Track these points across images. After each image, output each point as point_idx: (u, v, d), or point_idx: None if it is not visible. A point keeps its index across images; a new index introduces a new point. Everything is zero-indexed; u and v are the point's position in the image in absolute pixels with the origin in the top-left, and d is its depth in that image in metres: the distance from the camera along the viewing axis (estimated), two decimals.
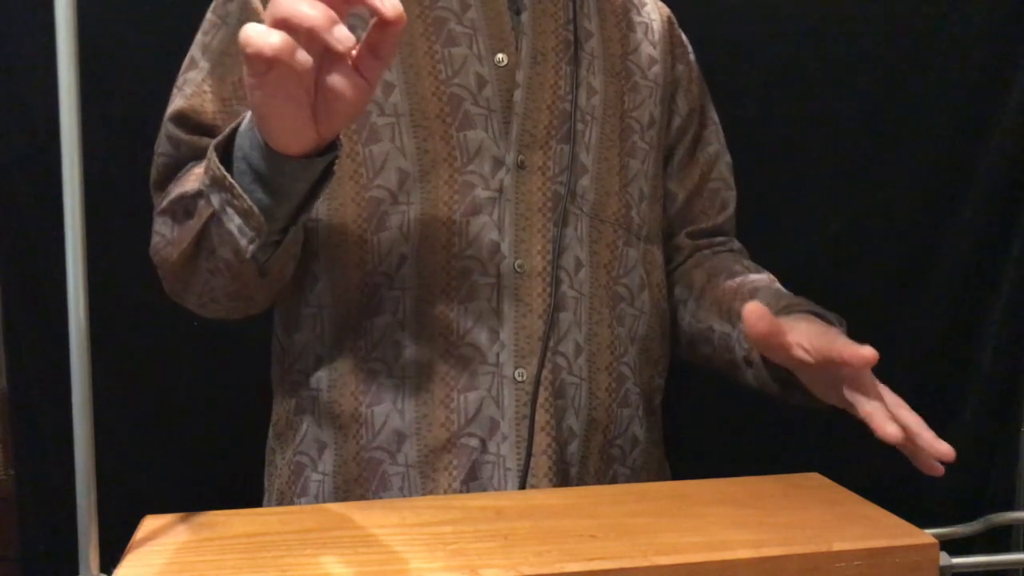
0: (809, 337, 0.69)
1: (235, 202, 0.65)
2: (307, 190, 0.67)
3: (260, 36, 0.53)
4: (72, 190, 0.55)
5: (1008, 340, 1.40)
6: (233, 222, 0.66)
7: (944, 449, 0.63)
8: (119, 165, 1.16)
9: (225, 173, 0.65)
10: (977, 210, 1.38)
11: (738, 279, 0.89)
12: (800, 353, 0.69)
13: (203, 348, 1.22)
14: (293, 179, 0.65)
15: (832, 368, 0.68)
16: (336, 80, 0.59)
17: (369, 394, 0.79)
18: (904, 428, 0.65)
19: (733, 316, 0.85)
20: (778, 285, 0.87)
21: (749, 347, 0.81)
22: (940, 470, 0.66)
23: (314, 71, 0.58)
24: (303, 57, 0.54)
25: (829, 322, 0.76)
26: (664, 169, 0.94)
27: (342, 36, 0.53)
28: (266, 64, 0.54)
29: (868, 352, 0.64)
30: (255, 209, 0.65)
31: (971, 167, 1.38)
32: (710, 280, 0.92)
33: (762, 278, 0.89)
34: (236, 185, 0.65)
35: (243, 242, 0.67)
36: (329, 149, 0.65)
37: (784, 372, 0.77)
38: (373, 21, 0.57)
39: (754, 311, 0.67)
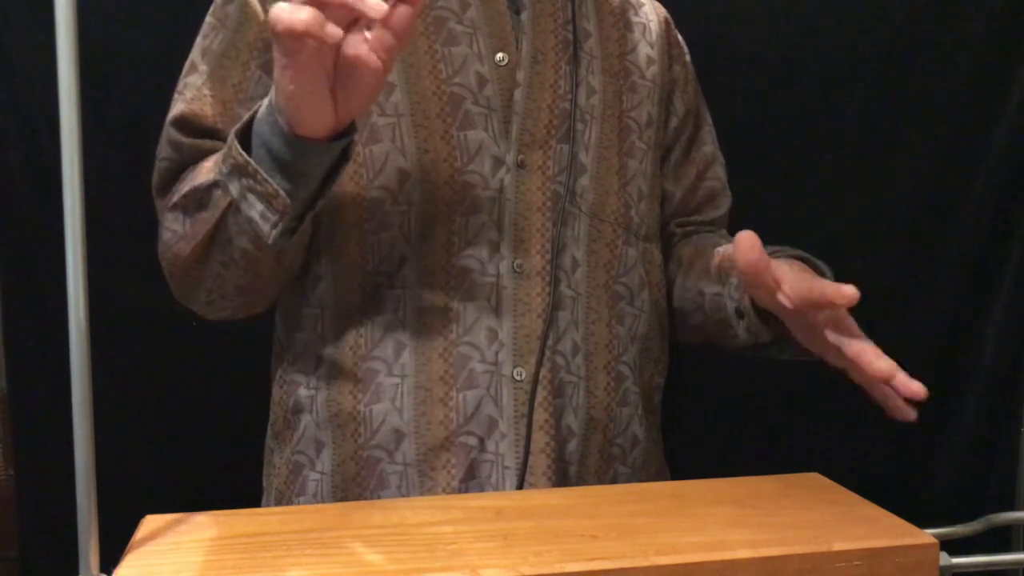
0: (790, 280, 0.69)
1: (258, 188, 0.67)
2: (324, 175, 0.69)
3: (290, 12, 0.57)
4: (72, 190, 0.55)
5: (1008, 340, 1.40)
6: (255, 208, 0.68)
7: (916, 387, 0.65)
8: (119, 166, 1.16)
9: (248, 159, 0.67)
10: (977, 210, 1.38)
11: (725, 246, 0.90)
12: (781, 297, 0.69)
13: (203, 348, 1.22)
14: (312, 163, 0.67)
15: (813, 311, 0.69)
16: (353, 61, 0.62)
17: (367, 393, 0.79)
18: (880, 375, 0.66)
19: (723, 276, 0.86)
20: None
21: (740, 298, 0.82)
22: (912, 415, 0.67)
23: (335, 52, 0.61)
24: (332, 30, 0.57)
25: (816, 268, 0.77)
26: (660, 169, 0.94)
27: (375, 4, 0.57)
28: (297, 40, 0.57)
29: (848, 290, 0.65)
30: (280, 192, 0.67)
31: (971, 167, 1.38)
32: (698, 252, 0.93)
33: None
34: (260, 170, 0.67)
35: (266, 228, 0.69)
36: (345, 135, 0.67)
37: (774, 320, 0.78)
38: (391, 3, 0.60)
39: (746, 238, 0.67)
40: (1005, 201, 1.38)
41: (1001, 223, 1.39)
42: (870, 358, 0.66)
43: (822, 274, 0.76)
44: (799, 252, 0.79)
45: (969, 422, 1.42)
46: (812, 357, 0.78)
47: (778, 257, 0.76)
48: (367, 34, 0.62)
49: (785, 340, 0.79)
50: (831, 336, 0.69)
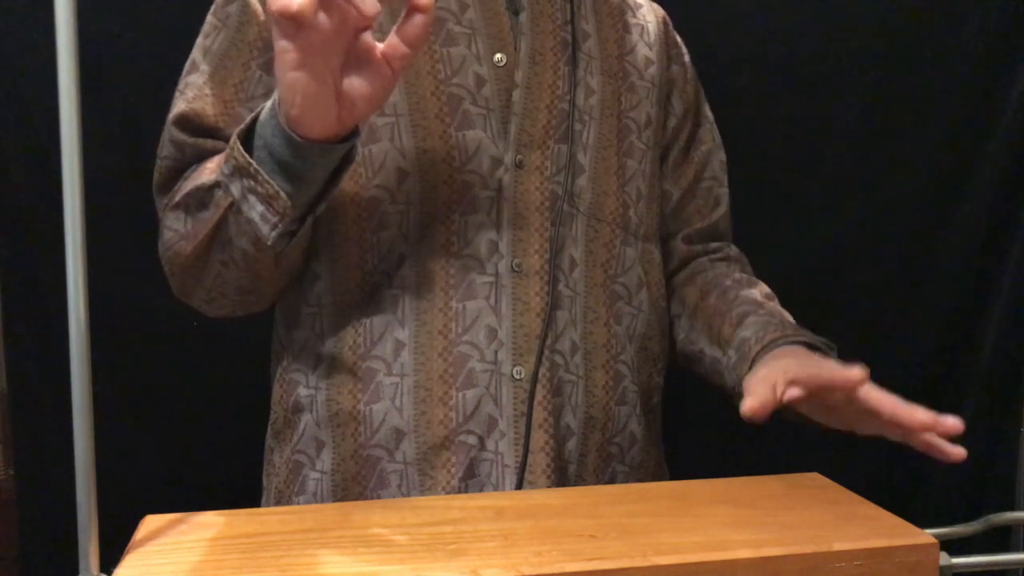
0: (795, 373, 0.69)
1: (259, 189, 0.67)
2: (326, 177, 0.69)
3: None
4: (72, 190, 0.55)
5: (1008, 340, 1.40)
6: (255, 210, 0.68)
7: (952, 423, 0.66)
8: (119, 165, 1.16)
9: (250, 160, 0.67)
10: (977, 210, 1.38)
11: (730, 297, 0.89)
12: (791, 395, 0.68)
13: (203, 348, 1.22)
14: (313, 165, 0.67)
15: (826, 395, 0.69)
16: (361, 67, 0.62)
17: (367, 392, 0.79)
18: (923, 426, 0.66)
19: (722, 341, 0.86)
20: (769, 305, 0.87)
21: (737, 379, 0.81)
22: (962, 453, 0.67)
23: (342, 53, 0.61)
24: (324, 19, 0.58)
25: (816, 348, 0.77)
26: (660, 169, 0.94)
27: (369, 2, 0.57)
28: (292, 20, 0.57)
29: (856, 373, 0.65)
30: (281, 193, 0.67)
31: (971, 166, 1.38)
32: (702, 297, 0.92)
33: (753, 296, 0.88)
34: (261, 171, 0.67)
35: (265, 229, 0.68)
36: (349, 138, 0.67)
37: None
38: (404, 12, 0.61)
39: (752, 409, 0.66)
40: (1005, 201, 1.38)
41: (1001, 223, 1.39)
42: (909, 413, 0.66)
43: (827, 352, 0.78)
44: (798, 333, 0.79)
45: (969, 422, 1.41)
46: (810, 424, 0.78)
47: (778, 347, 0.77)
48: (379, 45, 0.62)
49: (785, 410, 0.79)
50: (859, 409, 0.69)
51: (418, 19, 0.61)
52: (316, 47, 0.60)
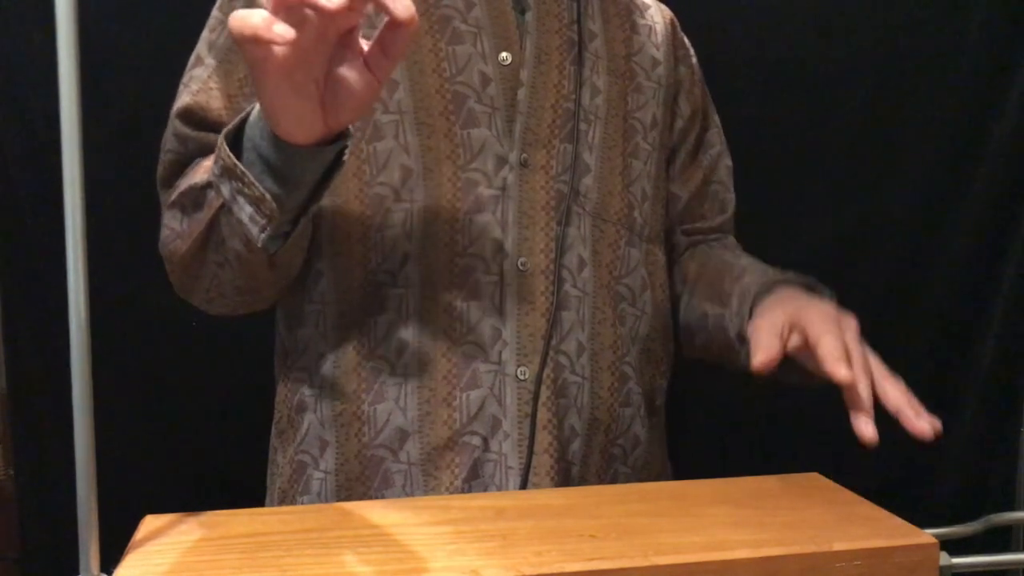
0: (796, 319, 0.71)
1: (246, 191, 0.66)
2: (317, 179, 0.68)
3: (241, 18, 0.54)
4: (72, 190, 0.55)
5: (1008, 340, 1.40)
6: (244, 211, 0.67)
7: (922, 427, 0.63)
8: (119, 165, 1.16)
9: (236, 162, 0.66)
10: (978, 210, 1.38)
11: (729, 261, 0.90)
12: (794, 343, 0.71)
13: (203, 348, 1.22)
14: (302, 169, 0.66)
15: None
16: (345, 73, 0.60)
17: (371, 392, 0.79)
18: (887, 404, 0.66)
19: (724, 297, 0.86)
20: (769, 267, 0.88)
21: (740, 324, 0.82)
22: (928, 434, 0.64)
23: (324, 64, 0.59)
24: (282, 29, 0.54)
25: (816, 291, 0.78)
26: (666, 171, 0.94)
27: (336, 1, 0.53)
28: (255, 45, 0.55)
29: (842, 375, 0.66)
30: (267, 196, 0.65)
31: (971, 167, 1.38)
32: (703, 268, 0.93)
33: (753, 261, 0.90)
34: (247, 173, 0.65)
35: (254, 231, 0.67)
36: (339, 139, 0.66)
37: None
38: (386, 20, 0.57)
39: (761, 364, 0.69)
40: (1005, 201, 1.38)
41: (1001, 223, 1.39)
42: (911, 422, 0.65)
43: (827, 296, 0.79)
44: (798, 279, 0.81)
45: (969, 422, 1.42)
46: (816, 382, 0.78)
47: (776, 289, 0.79)
48: (364, 44, 0.60)
49: (790, 364, 0.79)
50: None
51: (399, 32, 0.57)
52: (292, 64, 0.57)
